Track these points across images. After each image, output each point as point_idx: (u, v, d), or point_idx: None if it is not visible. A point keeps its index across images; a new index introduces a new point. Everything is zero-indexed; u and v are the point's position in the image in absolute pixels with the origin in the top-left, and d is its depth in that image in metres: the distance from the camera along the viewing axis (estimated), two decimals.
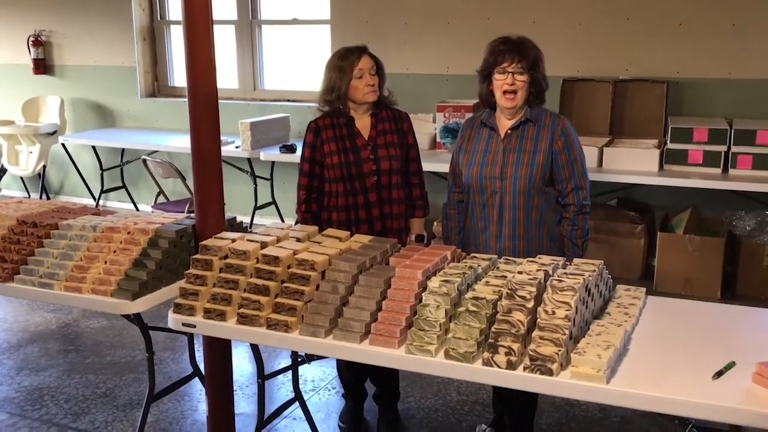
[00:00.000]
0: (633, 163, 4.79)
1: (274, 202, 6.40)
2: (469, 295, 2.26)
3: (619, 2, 5.26)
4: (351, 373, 3.43)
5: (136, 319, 2.96)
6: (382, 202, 3.19)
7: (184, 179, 5.49)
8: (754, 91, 5.02)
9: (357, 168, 3.13)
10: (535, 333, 2.14)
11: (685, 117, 5.08)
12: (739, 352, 2.20)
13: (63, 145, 6.91)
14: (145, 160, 5.62)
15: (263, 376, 3.06)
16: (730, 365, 2.12)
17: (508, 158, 2.93)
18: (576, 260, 2.50)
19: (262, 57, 6.81)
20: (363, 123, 3.19)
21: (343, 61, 3.11)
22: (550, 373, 2.08)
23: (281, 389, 3.83)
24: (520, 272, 2.32)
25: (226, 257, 2.59)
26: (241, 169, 6.23)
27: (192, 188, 3.08)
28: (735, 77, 5.06)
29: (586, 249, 3.00)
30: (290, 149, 5.64)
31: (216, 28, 2.89)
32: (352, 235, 2.78)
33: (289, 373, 3.42)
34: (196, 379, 3.50)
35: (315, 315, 2.38)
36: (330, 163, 3.14)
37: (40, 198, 7.13)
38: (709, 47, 5.09)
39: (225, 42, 6.72)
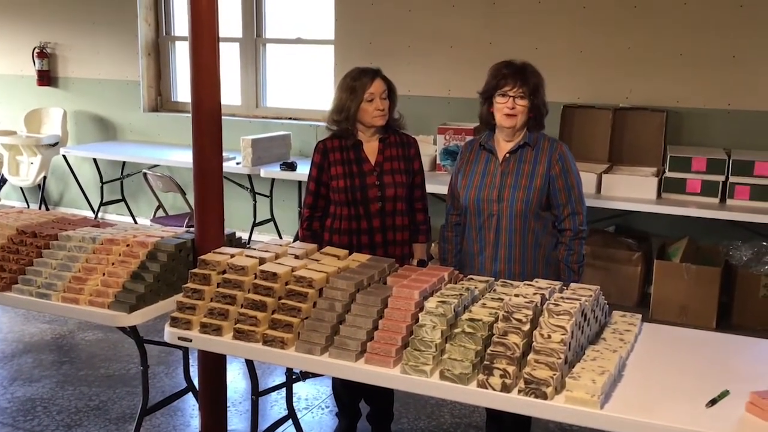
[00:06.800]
0: (631, 191, 4.81)
1: (272, 219, 6.41)
2: (466, 316, 2.27)
3: (621, 31, 5.31)
4: (346, 392, 3.42)
5: (132, 331, 2.96)
6: (386, 228, 3.18)
7: (184, 194, 5.51)
8: (753, 123, 5.05)
9: (362, 193, 3.13)
10: (531, 356, 2.15)
11: (684, 146, 5.11)
12: (734, 381, 2.20)
13: (64, 156, 6.93)
14: (145, 174, 5.64)
15: (257, 393, 3.05)
16: (724, 394, 2.12)
17: (505, 181, 2.95)
18: (573, 285, 2.51)
19: (266, 75, 6.86)
20: (370, 147, 3.19)
21: (356, 82, 3.10)
22: (545, 396, 2.08)
23: (275, 407, 3.82)
24: (516, 295, 2.33)
25: (224, 272, 2.60)
26: (241, 186, 6.25)
27: (191, 203, 3.09)
28: (734, 108, 5.10)
29: (582, 274, 3.01)
30: (290, 167, 5.66)
31: (221, 45, 2.91)
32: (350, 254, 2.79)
33: (283, 391, 3.42)
34: (190, 394, 3.50)
35: (311, 332, 2.38)
36: (336, 187, 3.14)
37: (39, 209, 7.14)
38: (709, 78, 5.13)
39: (229, 59, 6.76)
